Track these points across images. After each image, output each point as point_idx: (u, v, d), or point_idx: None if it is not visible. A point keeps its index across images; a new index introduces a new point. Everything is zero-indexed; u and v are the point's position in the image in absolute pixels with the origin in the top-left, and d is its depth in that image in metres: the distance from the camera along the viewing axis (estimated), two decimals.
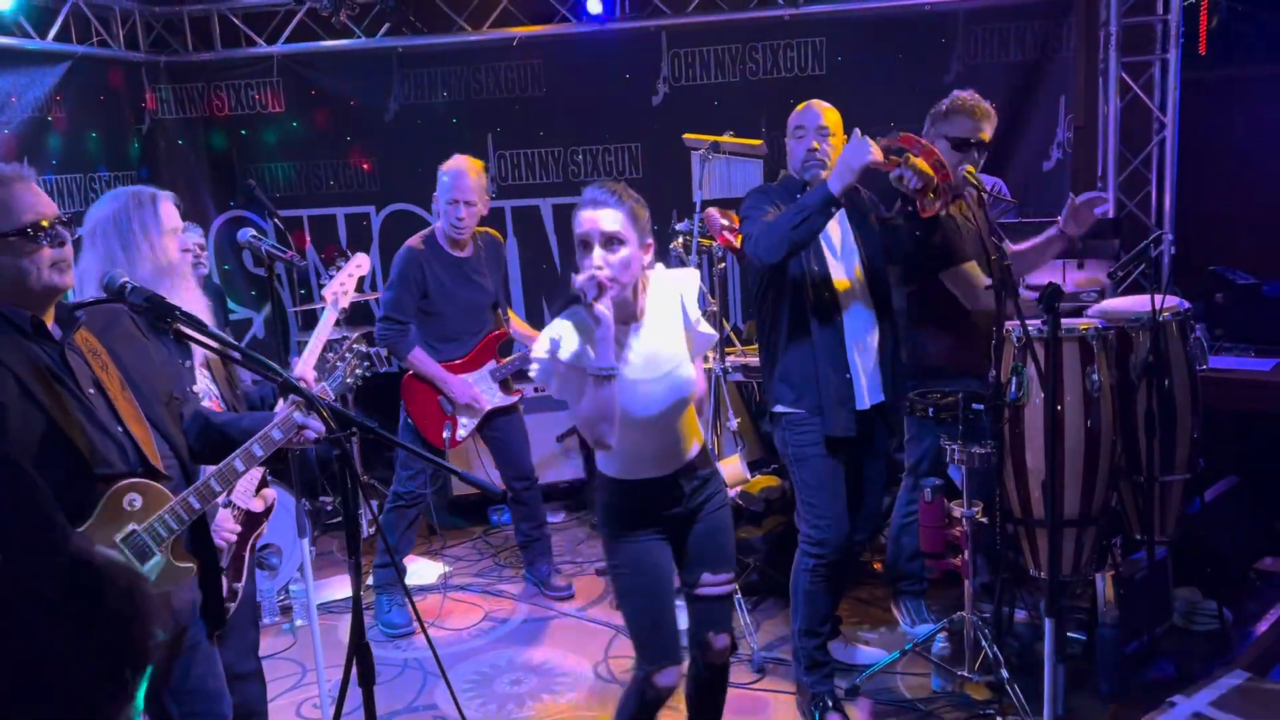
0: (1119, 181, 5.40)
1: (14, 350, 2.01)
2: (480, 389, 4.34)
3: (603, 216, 2.46)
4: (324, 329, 3.62)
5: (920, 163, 3.07)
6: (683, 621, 2.83)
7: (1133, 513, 3.72)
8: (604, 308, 2.39)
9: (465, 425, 4.34)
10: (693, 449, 2.70)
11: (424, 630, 2.22)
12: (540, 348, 2.52)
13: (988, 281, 3.49)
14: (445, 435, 4.32)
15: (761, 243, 3.12)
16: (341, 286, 3.73)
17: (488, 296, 4.37)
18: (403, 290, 4.21)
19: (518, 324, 4.53)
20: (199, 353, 2.96)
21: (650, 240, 2.57)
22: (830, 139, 3.30)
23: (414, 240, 4.31)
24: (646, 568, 2.67)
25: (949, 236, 3.54)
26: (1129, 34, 5.27)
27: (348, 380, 2.78)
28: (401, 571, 4.52)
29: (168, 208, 2.96)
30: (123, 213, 2.91)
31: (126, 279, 2.07)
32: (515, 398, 4.45)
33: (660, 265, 2.70)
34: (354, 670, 2.05)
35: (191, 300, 2.94)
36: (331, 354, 3.18)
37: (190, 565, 2.16)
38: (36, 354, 2.04)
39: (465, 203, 4.12)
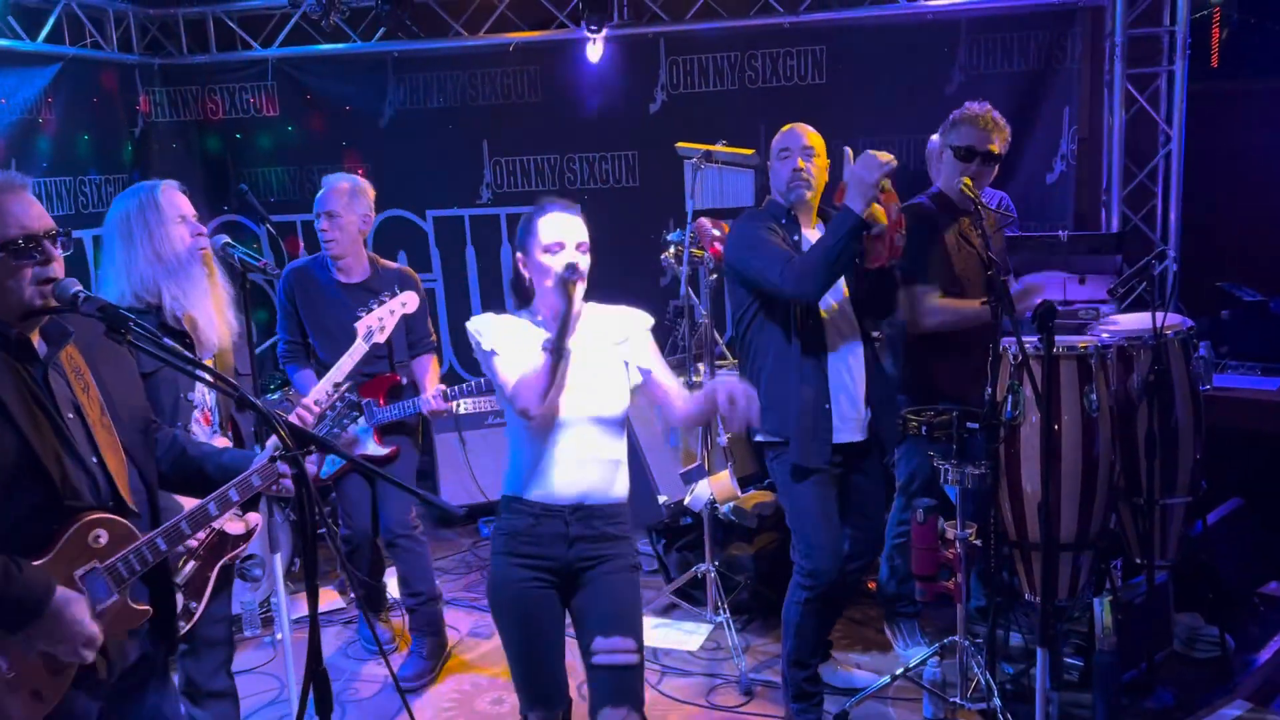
0: (1123, 195, 5.31)
1: None
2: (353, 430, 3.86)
3: (575, 224, 2.57)
4: (349, 361, 3.52)
5: (879, 210, 3.01)
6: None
7: (1132, 536, 3.63)
8: (580, 293, 2.50)
9: (330, 459, 3.91)
10: (600, 494, 2.54)
11: (385, 658, 2.13)
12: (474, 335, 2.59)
13: (940, 303, 3.48)
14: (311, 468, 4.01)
15: (805, 281, 3.07)
16: (379, 321, 3.59)
17: None
18: (279, 309, 4.05)
19: (431, 373, 4.05)
20: (205, 360, 2.90)
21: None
22: (815, 159, 3.27)
23: (302, 258, 4.14)
24: (524, 604, 2.52)
25: (926, 254, 3.47)
26: (1135, 45, 5.19)
27: (334, 430, 2.70)
28: (379, 595, 4.38)
29: (170, 196, 2.91)
30: (127, 213, 2.87)
31: (79, 288, 1.98)
32: (389, 449, 3.99)
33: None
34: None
35: (200, 292, 2.88)
36: (324, 399, 3.09)
37: (146, 609, 2.07)
38: (19, 372, 1.95)
39: (326, 214, 3.86)
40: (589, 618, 2.54)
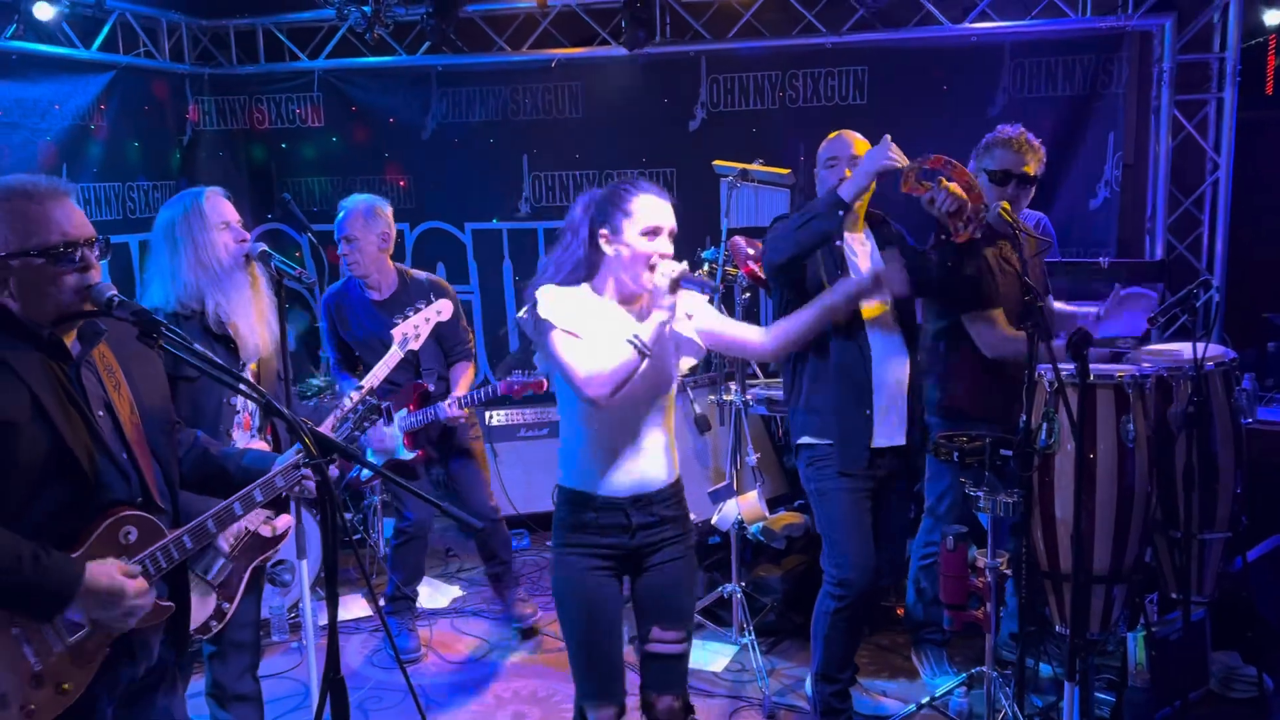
0: (1168, 223, 5.23)
1: (33, 365, 1.95)
2: (385, 435, 4.05)
3: (669, 210, 2.50)
4: (383, 367, 3.60)
5: (953, 186, 3.03)
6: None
7: (1169, 570, 3.54)
8: (674, 300, 2.44)
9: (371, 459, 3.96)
10: (656, 479, 2.59)
11: (404, 672, 2.14)
12: (524, 310, 2.53)
13: (1011, 333, 3.38)
14: (350, 474, 4.18)
15: (770, 245, 3.13)
16: (414, 329, 3.69)
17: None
18: (323, 330, 4.24)
19: (463, 381, 4.14)
20: (247, 366, 2.96)
21: None
22: None
23: (337, 282, 4.26)
24: (588, 597, 2.57)
25: (982, 277, 3.42)
26: (1183, 71, 5.12)
27: (355, 432, 2.74)
28: (413, 600, 4.42)
29: (215, 202, 2.96)
30: (172, 220, 2.93)
31: (113, 292, 2.01)
32: (416, 454, 4.10)
33: None
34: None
35: (243, 299, 2.93)
36: (346, 403, 3.13)
37: (169, 605, 2.09)
38: (53, 370, 1.98)
39: (345, 239, 3.98)
40: (647, 606, 2.65)
